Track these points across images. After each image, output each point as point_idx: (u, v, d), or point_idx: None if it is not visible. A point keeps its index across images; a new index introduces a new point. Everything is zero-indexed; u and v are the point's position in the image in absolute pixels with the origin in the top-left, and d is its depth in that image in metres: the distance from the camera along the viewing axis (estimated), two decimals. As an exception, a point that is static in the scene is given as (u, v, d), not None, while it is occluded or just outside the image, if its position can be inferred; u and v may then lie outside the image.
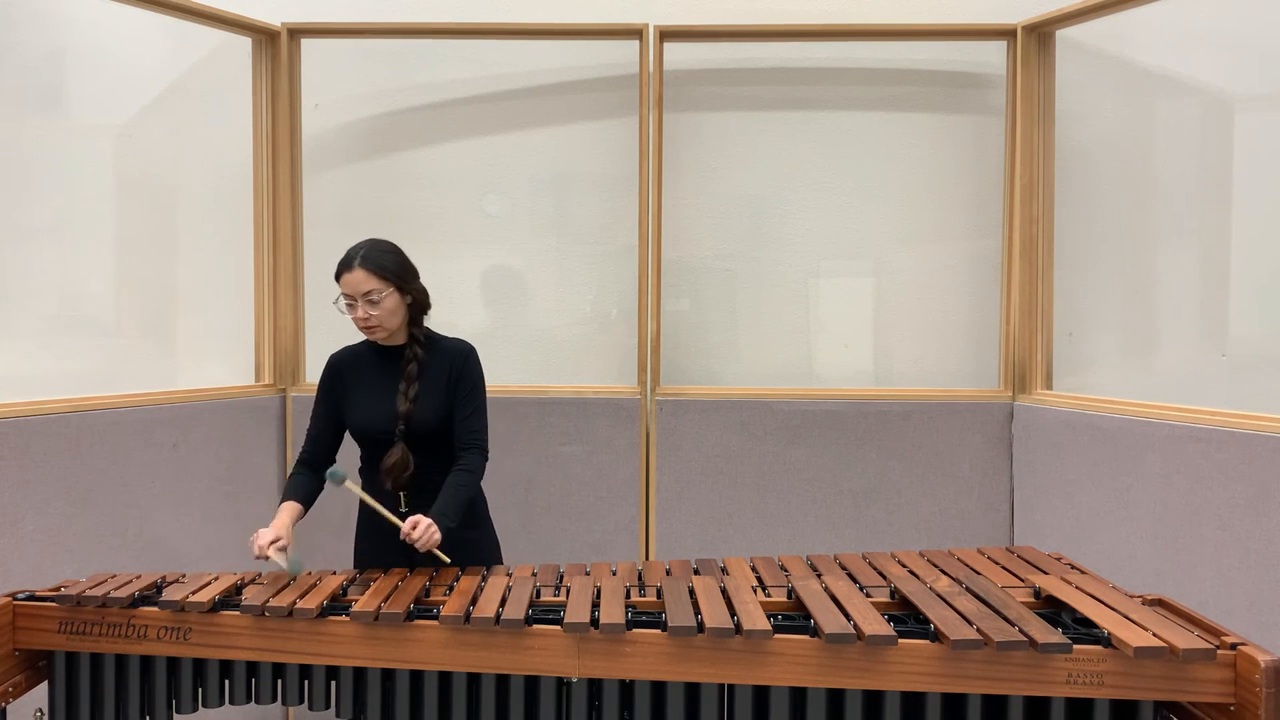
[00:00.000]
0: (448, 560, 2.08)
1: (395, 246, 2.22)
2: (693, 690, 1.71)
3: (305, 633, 1.80)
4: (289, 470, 3.03)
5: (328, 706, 1.84)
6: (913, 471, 2.97)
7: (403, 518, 2.09)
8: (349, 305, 2.16)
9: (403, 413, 2.17)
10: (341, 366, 2.28)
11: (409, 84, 3.15)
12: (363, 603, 1.81)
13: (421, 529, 2.04)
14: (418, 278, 2.24)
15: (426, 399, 2.19)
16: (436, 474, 2.21)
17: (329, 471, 2.07)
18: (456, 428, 2.23)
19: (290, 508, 2.18)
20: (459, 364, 2.24)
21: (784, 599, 1.85)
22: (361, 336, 2.29)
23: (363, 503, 2.19)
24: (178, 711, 1.88)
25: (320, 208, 3.15)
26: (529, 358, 3.16)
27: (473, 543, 2.23)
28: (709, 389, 3.05)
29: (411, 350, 2.22)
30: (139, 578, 1.96)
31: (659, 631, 1.70)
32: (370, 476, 2.26)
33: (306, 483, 2.25)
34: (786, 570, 2.03)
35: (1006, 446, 2.96)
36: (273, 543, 2.03)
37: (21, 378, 2.63)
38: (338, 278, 2.16)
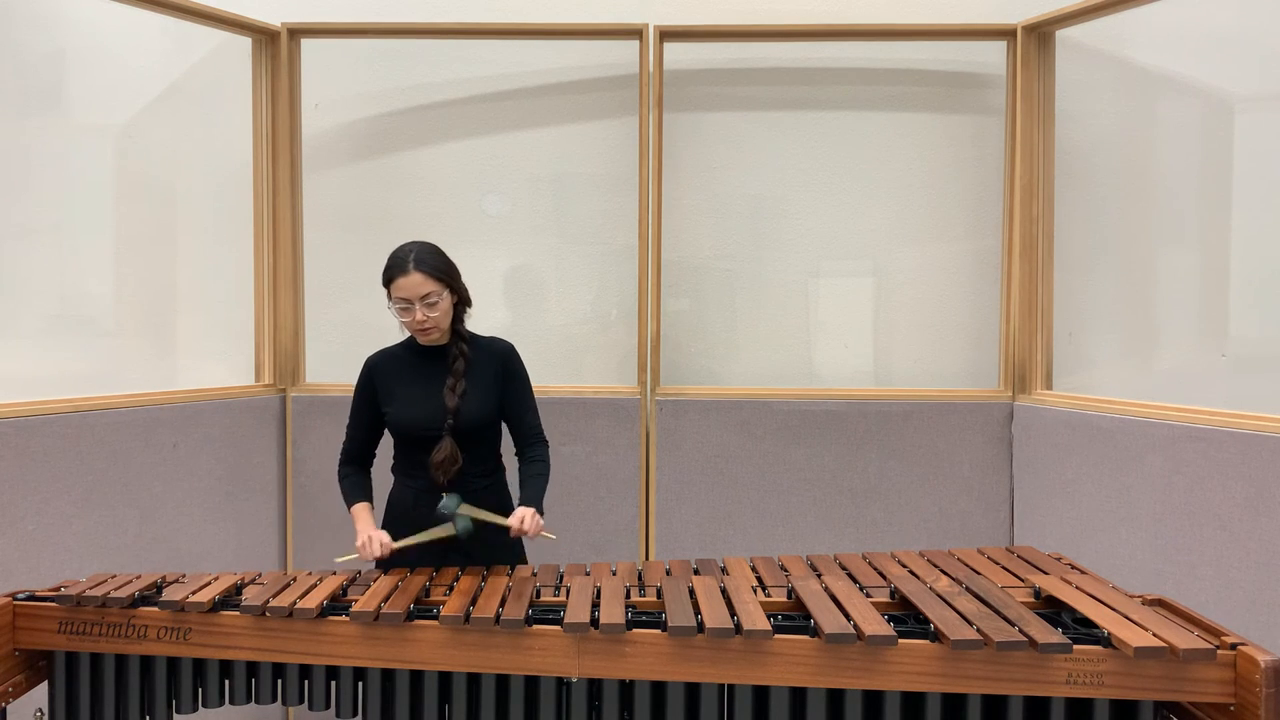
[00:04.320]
0: (554, 537, 2.21)
1: (438, 247, 2.22)
2: (693, 690, 1.71)
3: (305, 633, 1.80)
4: (289, 470, 3.05)
5: (328, 706, 1.84)
6: (913, 471, 2.97)
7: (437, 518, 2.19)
8: (403, 309, 2.16)
9: (451, 409, 2.19)
10: (381, 368, 2.29)
11: (409, 84, 3.16)
12: (363, 603, 1.81)
13: (530, 521, 2.14)
14: (460, 276, 2.26)
15: (473, 396, 2.22)
16: (477, 473, 2.25)
17: (443, 506, 2.12)
18: (515, 426, 2.32)
19: (366, 509, 2.26)
20: (505, 363, 2.30)
21: (784, 599, 1.85)
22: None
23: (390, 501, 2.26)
24: (178, 711, 1.88)
25: (320, 208, 3.15)
26: (529, 358, 3.12)
27: (504, 545, 2.25)
28: (709, 389, 3.05)
29: (458, 348, 2.24)
30: (139, 578, 1.96)
31: (659, 631, 1.70)
32: (408, 471, 2.27)
33: (362, 480, 2.32)
34: (786, 570, 2.03)
35: (1006, 446, 2.96)
36: (388, 539, 2.13)
37: (21, 378, 2.63)
38: (389, 282, 2.16)
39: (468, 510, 2.15)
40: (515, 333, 3.15)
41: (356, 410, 2.31)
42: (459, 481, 2.21)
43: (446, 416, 2.19)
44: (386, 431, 2.31)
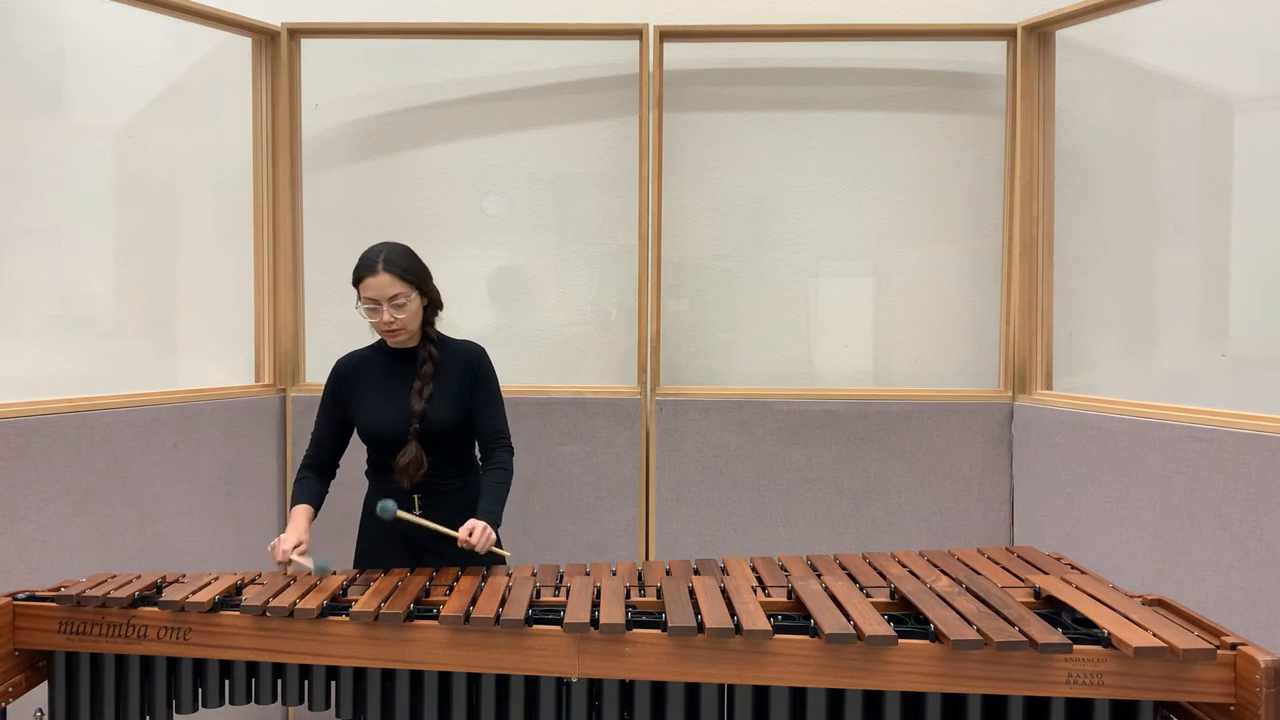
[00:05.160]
0: (507, 554, 2.13)
1: (409, 249, 2.21)
2: (693, 690, 1.71)
3: (305, 633, 1.80)
4: (289, 470, 3.04)
5: (328, 706, 1.84)
6: (913, 471, 2.97)
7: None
8: (371, 310, 2.15)
9: (417, 412, 2.17)
10: (350, 371, 2.28)
11: (409, 84, 3.15)
12: (363, 603, 1.81)
13: (479, 533, 2.06)
14: (432, 278, 2.25)
15: (441, 399, 2.20)
16: (447, 475, 2.23)
17: (381, 508, 2.07)
18: (480, 430, 2.26)
19: (304, 511, 2.21)
20: (474, 366, 2.26)
21: (784, 599, 1.85)
22: (368, 340, 2.30)
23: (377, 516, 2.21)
24: (178, 711, 1.88)
25: (320, 208, 3.15)
26: (529, 358, 3.16)
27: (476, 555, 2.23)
28: (709, 389, 3.05)
29: (426, 351, 2.22)
30: (139, 578, 1.96)
31: (659, 631, 1.70)
32: (379, 477, 2.26)
33: (315, 486, 2.27)
34: (786, 570, 2.03)
35: (1006, 446, 2.96)
36: (295, 547, 2.06)
37: (21, 378, 2.63)
38: (358, 282, 2.15)
39: (407, 517, 2.09)
40: (514, 333, 3.15)
41: (323, 414, 2.29)
42: (426, 485, 2.19)
43: (412, 420, 2.17)
44: (355, 440, 2.28)
